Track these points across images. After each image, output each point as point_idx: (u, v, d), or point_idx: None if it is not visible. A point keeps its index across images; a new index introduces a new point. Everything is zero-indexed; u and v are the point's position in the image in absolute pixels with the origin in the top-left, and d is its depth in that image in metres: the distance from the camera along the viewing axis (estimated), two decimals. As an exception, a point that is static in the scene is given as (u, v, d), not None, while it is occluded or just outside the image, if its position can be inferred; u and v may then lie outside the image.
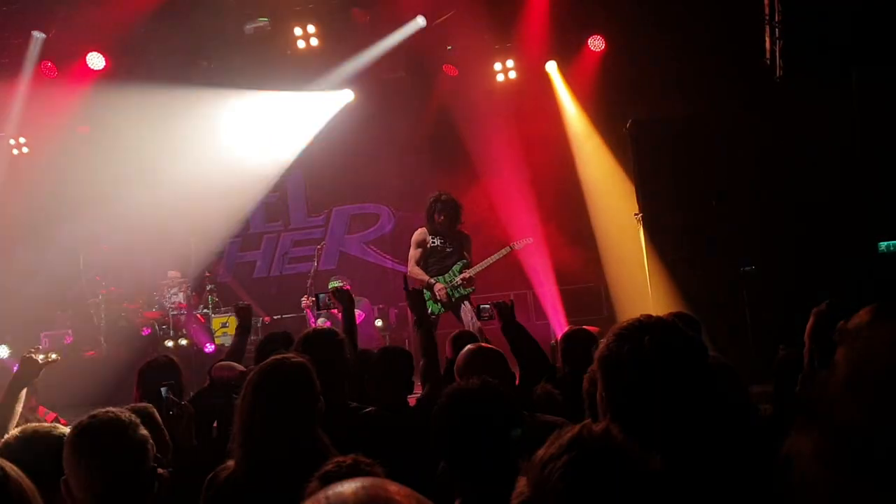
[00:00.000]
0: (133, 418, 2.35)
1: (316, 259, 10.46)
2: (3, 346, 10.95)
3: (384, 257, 12.49)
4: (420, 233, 8.07)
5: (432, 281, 7.74)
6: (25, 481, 1.54)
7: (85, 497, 2.24)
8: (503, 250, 8.17)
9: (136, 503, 2.30)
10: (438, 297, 7.73)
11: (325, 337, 3.51)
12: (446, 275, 7.83)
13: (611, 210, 10.08)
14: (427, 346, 4.07)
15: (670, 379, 1.82)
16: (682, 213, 8.03)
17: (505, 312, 4.22)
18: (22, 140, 12.28)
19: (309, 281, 10.26)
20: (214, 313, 11.13)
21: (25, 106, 11.51)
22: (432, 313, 7.45)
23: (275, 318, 11.35)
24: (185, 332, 10.81)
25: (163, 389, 3.59)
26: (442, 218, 7.86)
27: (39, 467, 1.89)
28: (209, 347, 10.50)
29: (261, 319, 10.95)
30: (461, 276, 7.74)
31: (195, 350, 10.34)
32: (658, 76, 9.76)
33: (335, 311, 7.19)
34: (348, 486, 0.85)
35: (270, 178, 12.59)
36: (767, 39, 8.50)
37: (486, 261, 8.05)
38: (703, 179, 7.95)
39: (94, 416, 2.37)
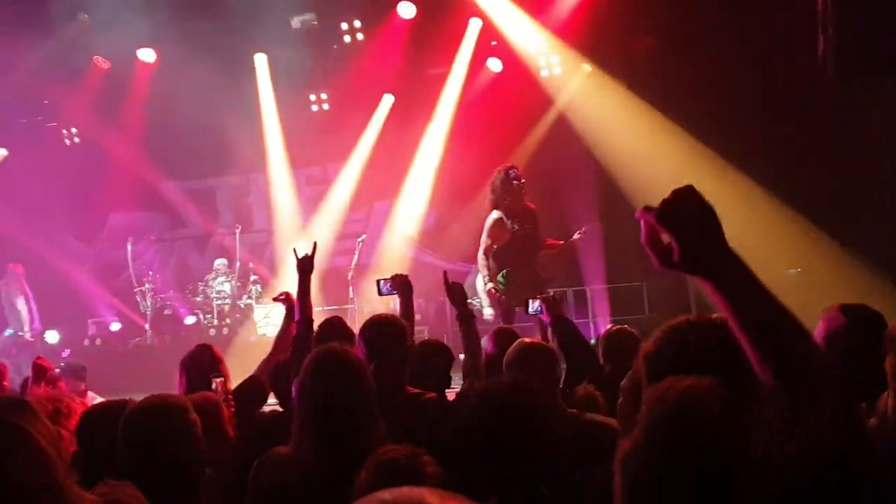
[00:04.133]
0: (184, 402, 2.42)
1: (357, 252, 10.54)
2: (53, 331, 11.27)
3: (424, 252, 12.53)
4: (499, 216, 7.03)
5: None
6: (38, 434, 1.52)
7: (137, 477, 2.31)
8: (568, 242, 7.37)
9: (184, 485, 2.35)
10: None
11: (386, 323, 3.55)
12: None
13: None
14: (469, 341, 4.08)
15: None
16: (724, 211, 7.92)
17: (553, 307, 4.12)
18: (74, 130, 12.57)
19: (350, 274, 10.35)
20: (257, 304, 11.30)
21: (77, 96, 11.81)
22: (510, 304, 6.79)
23: (316, 310, 11.45)
24: (228, 321, 10.99)
25: (214, 381, 3.68)
26: (524, 193, 7.03)
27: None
28: (252, 338, 10.66)
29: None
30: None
31: (238, 339, 10.50)
32: (708, 76, 9.64)
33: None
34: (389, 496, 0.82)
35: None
36: (821, 39, 8.34)
37: (554, 251, 7.30)
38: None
39: (146, 400, 2.44)
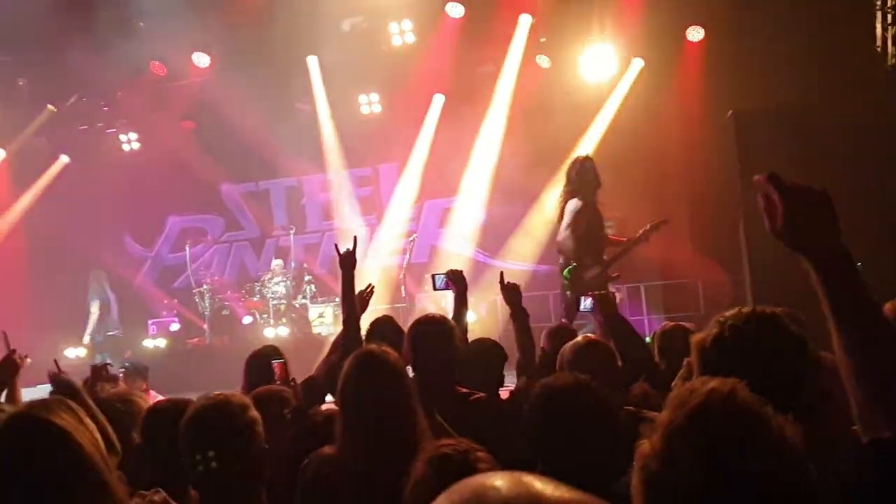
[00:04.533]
0: (244, 400, 2.46)
1: (408, 251, 10.60)
2: (115, 332, 11.60)
3: (474, 250, 12.53)
4: (583, 205, 6.93)
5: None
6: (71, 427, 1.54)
7: (198, 475, 2.36)
8: (640, 235, 7.13)
9: (244, 482, 2.39)
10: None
11: (435, 323, 3.56)
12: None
13: (709, 204, 9.79)
14: (523, 339, 4.08)
15: (766, 370, 1.76)
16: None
17: (607, 304, 4.04)
18: (132, 136, 12.90)
19: (401, 273, 10.41)
20: (312, 303, 11.45)
21: (135, 102, 12.12)
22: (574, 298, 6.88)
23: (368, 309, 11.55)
24: (283, 320, 11.16)
25: (274, 364, 3.78)
26: (598, 185, 6.93)
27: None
28: (307, 337, 10.81)
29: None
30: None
31: (294, 339, 10.65)
32: (762, 65, 9.42)
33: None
34: (501, 482, 0.78)
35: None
36: (879, 26, 8.10)
37: (620, 248, 7.16)
38: (809, 172, 7.61)
39: (206, 399, 2.49)
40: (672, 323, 4.60)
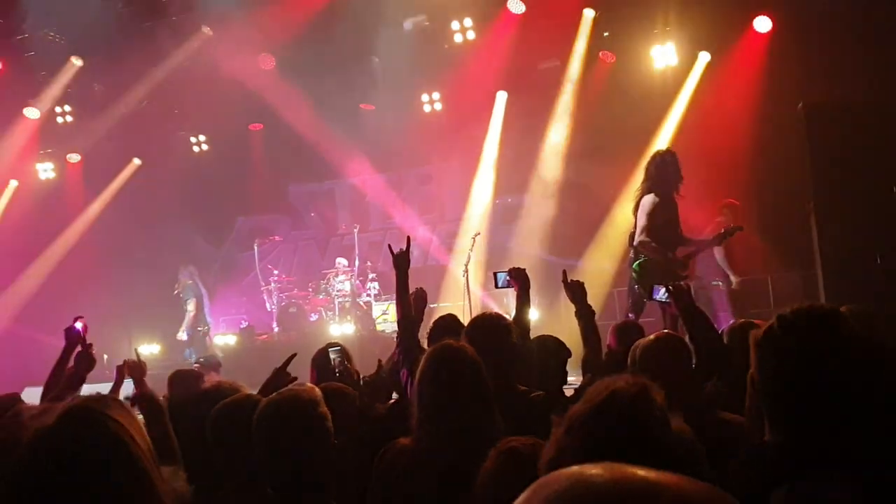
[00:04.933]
0: (315, 396, 2.52)
1: (471, 249, 10.61)
2: (205, 327, 11.94)
3: (535, 247, 12.47)
4: (658, 200, 6.80)
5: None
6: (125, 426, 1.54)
7: (270, 469, 2.42)
8: (714, 238, 7.05)
9: (314, 478, 2.44)
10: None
11: (492, 321, 3.58)
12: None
13: (779, 198, 9.54)
14: (588, 337, 4.07)
15: (818, 370, 1.73)
16: (859, 203, 7.46)
17: (681, 296, 3.88)
18: (202, 137, 13.24)
19: (464, 272, 10.43)
20: (376, 301, 11.58)
21: (204, 104, 12.43)
22: (643, 293, 6.64)
23: (431, 306, 11.62)
24: (348, 318, 11.31)
25: (332, 352, 3.86)
26: (679, 179, 6.80)
27: None
28: (371, 334, 10.94)
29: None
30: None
31: (359, 336, 10.79)
32: (832, 57, 9.13)
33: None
34: (598, 470, 0.76)
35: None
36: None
37: (695, 248, 7.00)
38: (883, 168, 7.35)
39: (278, 395, 2.55)
40: (743, 320, 4.52)
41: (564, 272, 4.48)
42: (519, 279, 4.53)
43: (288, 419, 2.43)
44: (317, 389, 2.57)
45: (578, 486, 0.75)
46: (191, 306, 11.32)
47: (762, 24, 9.85)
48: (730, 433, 2.78)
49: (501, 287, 4.90)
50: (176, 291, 11.55)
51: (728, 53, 10.29)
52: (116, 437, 1.48)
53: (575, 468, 0.77)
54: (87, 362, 3.64)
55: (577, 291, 4.24)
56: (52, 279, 12.61)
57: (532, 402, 3.33)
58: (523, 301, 4.49)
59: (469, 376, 2.70)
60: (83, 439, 1.46)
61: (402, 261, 4.12)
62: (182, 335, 11.25)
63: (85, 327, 3.78)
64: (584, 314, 4.12)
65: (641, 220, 6.81)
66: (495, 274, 4.93)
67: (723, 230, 7.03)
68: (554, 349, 4.11)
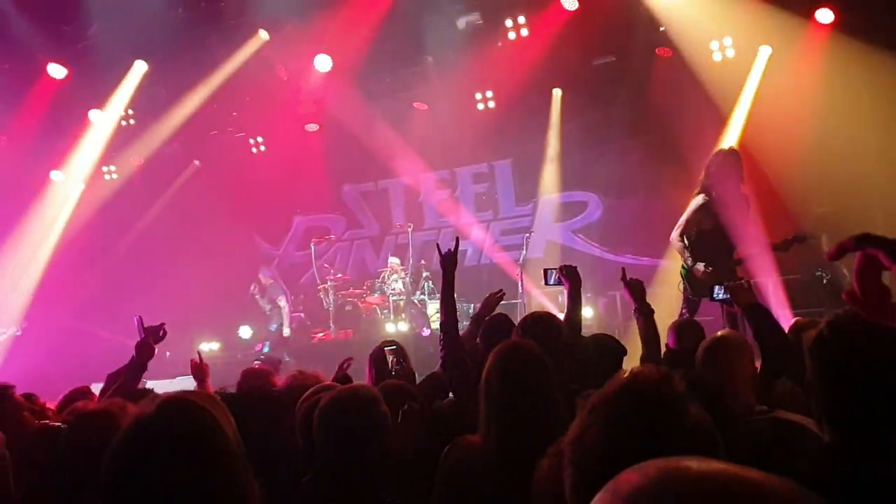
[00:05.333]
0: (375, 395, 2.55)
1: (524, 247, 10.59)
2: (246, 327, 12.18)
3: (591, 245, 12.39)
4: (704, 202, 6.75)
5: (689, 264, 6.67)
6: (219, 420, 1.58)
7: (332, 463, 2.47)
8: (781, 243, 6.73)
9: (375, 474, 2.47)
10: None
11: (542, 320, 3.58)
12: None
13: (844, 196, 9.26)
14: (647, 334, 4.03)
15: (866, 380, 1.72)
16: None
17: (743, 293, 3.79)
18: (259, 139, 13.48)
19: (518, 269, 10.41)
20: (430, 299, 11.64)
21: (261, 106, 12.65)
22: (688, 292, 6.65)
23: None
24: (403, 316, 11.39)
25: (388, 351, 3.91)
26: (742, 178, 6.67)
27: None
28: (425, 332, 10.99)
29: (472, 306, 11.28)
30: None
31: (413, 334, 10.87)
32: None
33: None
34: (691, 462, 0.74)
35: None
36: None
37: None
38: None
39: (338, 392, 2.59)
40: (805, 319, 4.43)
41: (623, 269, 4.45)
42: (570, 277, 4.51)
43: (347, 417, 2.47)
44: (374, 389, 2.61)
45: (669, 474, 0.73)
46: (282, 302, 11.64)
47: (824, 15, 9.58)
48: (788, 433, 2.72)
49: (553, 285, 4.87)
50: (253, 290, 11.78)
51: (789, 47, 10.03)
52: (210, 428, 1.54)
53: (663, 459, 0.74)
54: (147, 350, 3.72)
55: (635, 289, 4.21)
56: (113, 278, 12.96)
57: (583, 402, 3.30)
58: (575, 299, 4.47)
59: (534, 373, 2.71)
60: (179, 428, 1.52)
61: (448, 262, 4.09)
62: (286, 331, 11.50)
63: (139, 319, 3.86)
64: (643, 312, 4.09)
65: (681, 218, 6.78)
66: (545, 271, 4.90)
67: (791, 236, 6.67)
68: (607, 347, 4.09)
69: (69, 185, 13.15)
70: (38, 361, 10.45)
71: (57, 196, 13.09)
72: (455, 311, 4.07)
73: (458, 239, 4.29)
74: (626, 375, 1.34)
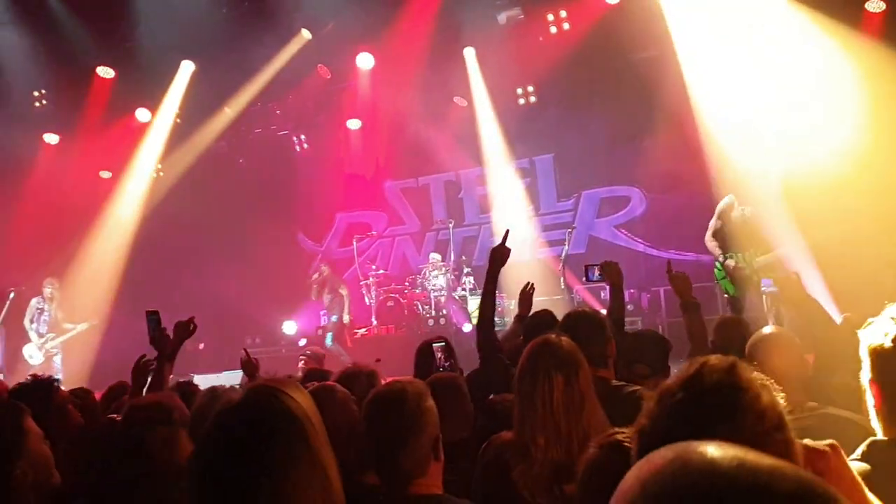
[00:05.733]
0: (420, 389, 2.56)
1: (567, 243, 10.54)
2: (291, 321, 12.34)
3: (635, 240, 12.27)
4: (730, 201, 6.93)
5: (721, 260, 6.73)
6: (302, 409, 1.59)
7: (376, 457, 2.49)
8: None
9: (419, 467, 2.48)
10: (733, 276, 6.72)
11: (586, 316, 3.57)
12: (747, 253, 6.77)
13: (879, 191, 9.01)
14: (693, 330, 3.99)
15: None
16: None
17: (791, 288, 3.78)
18: (303, 137, 13.62)
19: (560, 265, 10.37)
20: (471, 296, 11.65)
21: (305, 105, 12.77)
22: (726, 293, 6.74)
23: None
24: (444, 312, 11.42)
25: (436, 347, 3.93)
26: None
27: None
28: (466, 328, 11.01)
29: (513, 302, 11.27)
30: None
31: (454, 329, 10.90)
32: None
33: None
34: (706, 446, 0.75)
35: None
36: None
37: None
38: None
39: (384, 387, 2.61)
40: (849, 314, 4.34)
41: (669, 263, 4.41)
42: (611, 273, 4.48)
43: (392, 411, 2.48)
44: (422, 384, 2.62)
45: (683, 458, 0.74)
46: (344, 290, 11.70)
47: (875, 5, 9.35)
48: (834, 428, 2.68)
49: (592, 282, 4.85)
50: (315, 279, 11.81)
51: (839, 37, 9.78)
52: (295, 415, 1.56)
53: (680, 444, 0.76)
54: (182, 331, 3.81)
55: (681, 283, 4.16)
56: (159, 274, 13.17)
57: (626, 396, 3.30)
58: (616, 295, 4.45)
59: (567, 369, 2.70)
60: (266, 414, 1.54)
61: (498, 253, 4.08)
62: (346, 318, 11.57)
63: (148, 314, 3.96)
64: (689, 307, 4.04)
65: (711, 220, 6.86)
66: (586, 267, 4.89)
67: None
68: (652, 342, 4.06)
69: (120, 184, 13.39)
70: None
71: (110, 195, 13.31)
72: (493, 307, 4.08)
73: (507, 231, 4.25)
74: (693, 364, 1.34)
